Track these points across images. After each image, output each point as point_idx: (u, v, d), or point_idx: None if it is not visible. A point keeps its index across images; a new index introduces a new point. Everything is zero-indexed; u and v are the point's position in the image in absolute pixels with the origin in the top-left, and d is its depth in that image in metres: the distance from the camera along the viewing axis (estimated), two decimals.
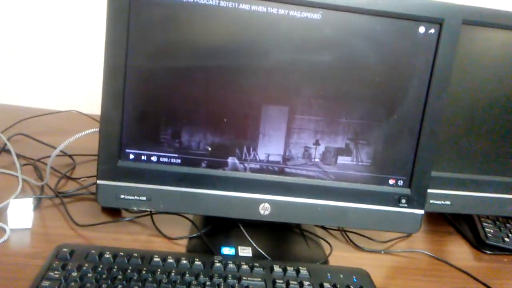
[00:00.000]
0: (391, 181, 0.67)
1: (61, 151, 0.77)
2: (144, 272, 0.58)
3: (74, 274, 0.56)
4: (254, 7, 0.60)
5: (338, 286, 0.61)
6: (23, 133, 0.98)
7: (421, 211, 0.67)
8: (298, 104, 0.64)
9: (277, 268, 0.62)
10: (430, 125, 0.65)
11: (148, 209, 0.66)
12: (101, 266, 0.58)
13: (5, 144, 0.89)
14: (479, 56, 0.72)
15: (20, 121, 1.05)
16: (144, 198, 0.65)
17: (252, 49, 0.62)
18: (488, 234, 0.80)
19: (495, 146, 0.76)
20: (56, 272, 0.56)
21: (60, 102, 1.21)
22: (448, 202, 0.76)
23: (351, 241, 0.76)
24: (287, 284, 0.60)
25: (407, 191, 0.67)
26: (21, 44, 1.21)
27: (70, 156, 0.93)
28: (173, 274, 0.58)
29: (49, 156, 0.78)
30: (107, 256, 0.60)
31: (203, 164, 0.65)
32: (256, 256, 0.68)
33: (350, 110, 0.64)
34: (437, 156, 0.69)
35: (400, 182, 0.67)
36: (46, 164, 0.82)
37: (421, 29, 0.63)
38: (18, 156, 0.87)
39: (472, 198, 0.76)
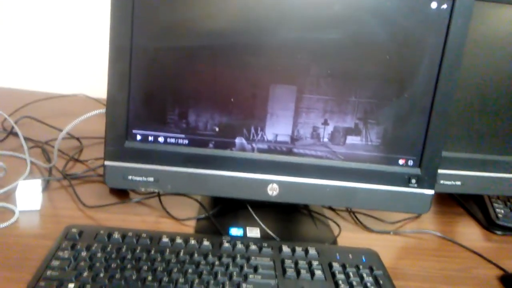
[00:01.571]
0: (401, 161, 0.66)
1: (68, 133, 0.78)
2: (153, 252, 0.58)
3: (84, 254, 0.56)
4: None
5: (347, 266, 0.61)
6: (30, 116, 0.98)
7: (431, 192, 0.66)
8: (307, 83, 0.63)
9: (285, 248, 0.62)
10: (441, 104, 0.63)
11: (156, 190, 0.66)
12: (110, 246, 0.58)
13: (13, 127, 0.89)
14: (492, 34, 0.70)
15: (27, 105, 1.05)
16: (151, 179, 0.65)
17: (259, 28, 0.61)
18: (499, 215, 0.79)
19: (507, 126, 0.74)
20: (65, 252, 0.56)
21: (67, 86, 1.21)
22: (458, 183, 0.75)
23: (360, 222, 0.76)
24: (296, 264, 0.60)
25: (417, 171, 0.66)
26: (27, 28, 1.20)
27: (77, 138, 0.93)
28: (181, 254, 0.58)
29: (57, 139, 0.78)
30: (116, 236, 0.60)
31: (211, 145, 0.65)
32: (265, 237, 0.68)
33: (359, 89, 0.63)
34: (448, 135, 0.68)
35: (410, 162, 0.66)
36: (53, 147, 0.82)
37: (433, 5, 0.61)
38: (26, 139, 0.87)
39: (483, 178, 0.75)
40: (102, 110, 0.69)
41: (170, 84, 0.63)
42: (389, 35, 0.61)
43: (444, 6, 0.61)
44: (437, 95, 0.63)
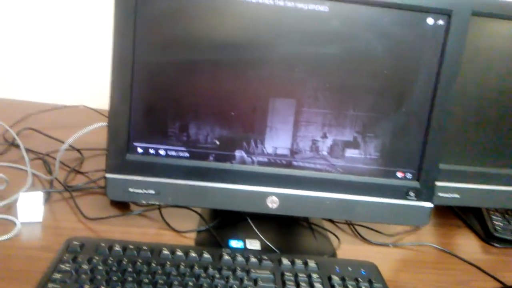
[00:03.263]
0: (399, 174, 0.67)
1: (69, 145, 0.78)
2: (153, 264, 0.58)
3: (85, 266, 0.57)
4: (261, 0, 0.60)
5: (347, 278, 0.61)
6: (31, 128, 0.99)
7: (430, 204, 0.67)
8: (306, 97, 0.64)
9: (285, 261, 0.63)
10: (439, 117, 0.64)
11: (157, 203, 0.66)
12: (111, 258, 0.58)
13: (14, 139, 0.90)
14: (488, 48, 0.72)
15: (28, 116, 1.06)
16: (152, 191, 0.65)
17: (259, 42, 0.62)
18: (497, 227, 0.80)
19: (504, 139, 0.75)
20: (67, 265, 0.56)
21: (68, 97, 1.22)
22: (456, 195, 0.75)
23: (359, 234, 0.76)
24: (296, 276, 0.60)
25: (415, 184, 0.67)
26: (29, 40, 1.21)
27: (78, 150, 0.93)
28: (182, 266, 0.59)
29: (58, 151, 0.78)
30: (117, 249, 0.60)
31: (211, 158, 0.65)
32: (264, 249, 0.68)
33: (357, 103, 0.64)
34: (445, 148, 0.69)
35: (408, 175, 0.67)
36: (55, 159, 0.83)
37: (430, 21, 0.62)
38: (27, 150, 0.87)
39: (481, 191, 0.75)
40: (104, 123, 0.70)
41: (171, 97, 0.63)
42: (386, 50, 0.63)
43: (440, 22, 0.62)
44: (434, 109, 0.64)
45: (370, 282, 0.61)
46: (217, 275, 0.58)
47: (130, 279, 0.55)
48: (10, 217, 0.68)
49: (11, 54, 1.22)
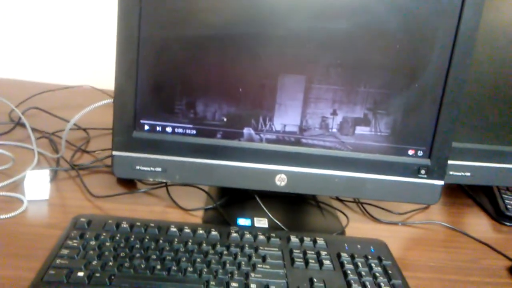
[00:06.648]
0: (411, 152, 0.66)
1: (75, 124, 0.77)
2: (161, 241, 0.58)
3: (92, 243, 0.56)
4: None
5: (356, 256, 0.60)
6: (37, 107, 0.98)
7: (441, 182, 0.66)
8: (316, 73, 0.62)
9: (293, 239, 0.62)
10: (453, 94, 0.63)
11: (164, 180, 0.66)
12: (118, 235, 0.58)
13: (20, 118, 0.89)
14: (504, 23, 0.69)
15: (33, 96, 1.05)
16: (159, 169, 0.65)
17: (268, 17, 0.60)
18: (508, 206, 0.79)
19: None
20: (74, 241, 0.56)
21: (73, 77, 1.21)
22: (468, 174, 0.74)
23: (368, 212, 0.76)
24: (304, 254, 0.60)
25: (427, 161, 0.65)
26: (33, 20, 1.20)
27: (84, 129, 0.93)
28: (190, 243, 0.58)
29: (63, 130, 0.78)
30: (124, 226, 0.60)
31: (219, 135, 0.64)
32: (272, 227, 0.67)
33: (369, 78, 0.62)
34: (458, 126, 0.67)
35: (420, 153, 0.66)
36: (60, 138, 0.82)
37: None
38: (33, 129, 0.87)
39: (493, 169, 0.74)
40: (110, 100, 0.69)
41: (178, 74, 0.62)
42: (399, 23, 0.61)
43: None
44: (448, 85, 0.62)
45: (379, 259, 0.60)
46: (225, 252, 0.58)
47: (137, 255, 0.55)
48: (17, 195, 0.68)
49: (17, 34, 1.21)
